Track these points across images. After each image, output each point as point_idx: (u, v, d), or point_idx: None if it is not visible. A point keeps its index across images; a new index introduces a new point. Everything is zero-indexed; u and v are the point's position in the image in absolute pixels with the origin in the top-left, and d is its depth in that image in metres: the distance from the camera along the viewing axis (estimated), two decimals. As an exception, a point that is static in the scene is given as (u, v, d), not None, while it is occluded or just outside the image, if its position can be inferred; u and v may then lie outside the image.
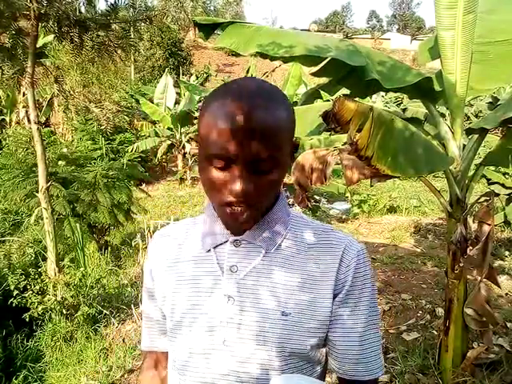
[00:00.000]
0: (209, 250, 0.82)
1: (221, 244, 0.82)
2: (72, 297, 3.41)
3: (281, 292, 0.78)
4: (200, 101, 16.30)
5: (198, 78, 21.57)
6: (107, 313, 3.62)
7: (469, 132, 2.51)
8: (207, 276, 0.81)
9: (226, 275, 0.79)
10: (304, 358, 0.79)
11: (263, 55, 2.31)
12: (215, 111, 0.70)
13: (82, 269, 3.82)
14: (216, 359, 0.78)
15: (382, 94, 14.61)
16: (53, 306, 3.34)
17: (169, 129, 11.78)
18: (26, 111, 11.02)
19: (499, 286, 2.73)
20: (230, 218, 0.75)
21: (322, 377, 0.86)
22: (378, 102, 13.07)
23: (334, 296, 0.78)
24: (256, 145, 0.68)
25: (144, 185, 9.59)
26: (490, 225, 2.48)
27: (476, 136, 2.52)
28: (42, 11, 3.07)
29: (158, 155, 11.72)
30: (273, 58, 2.37)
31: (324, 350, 0.84)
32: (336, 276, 0.78)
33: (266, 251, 0.80)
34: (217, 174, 0.71)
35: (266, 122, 0.68)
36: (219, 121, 0.68)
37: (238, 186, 0.70)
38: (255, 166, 0.70)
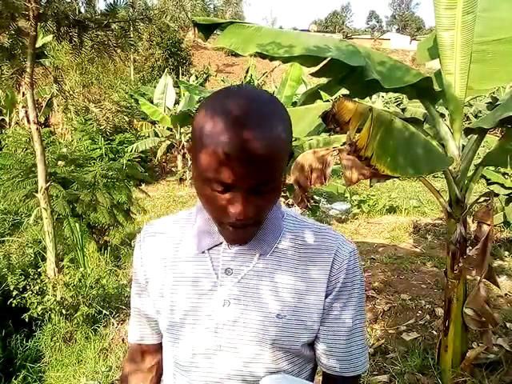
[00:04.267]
0: (203, 252, 0.82)
1: (215, 246, 0.82)
2: (71, 297, 3.41)
3: (275, 294, 0.79)
4: (200, 100, 16.32)
5: (197, 78, 21.56)
6: (107, 313, 3.62)
7: (467, 132, 2.51)
8: (204, 277, 0.81)
9: (221, 278, 0.80)
10: (296, 354, 0.81)
11: (263, 55, 2.31)
12: (211, 132, 0.65)
13: (81, 269, 3.81)
14: (216, 360, 0.80)
15: (382, 94, 14.62)
16: (52, 307, 3.34)
17: (168, 129, 11.77)
18: (26, 111, 11.01)
19: (498, 287, 2.73)
20: (229, 236, 0.76)
21: (312, 374, 0.89)
22: (377, 102, 13.07)
23: (326, 295, 0.80)
24: (257, 172, 0.66)
25: (143, 185, 9.58)
26: (489, 225, 2.48)
27: (475, 136, 2.52)
28: (41, 11, 3.07)
29: (158, 155, 11.71)
30: (272, 58, 2.36)
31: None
32: (328, 278, 0.80)
33: (260, 254, 0.81)
34: (215, 195, 0.70)
35: (266, 149, 0.65)
36: (215, 146, 0.64)
37: (238, 210, 0.69)
38: (255, 189, 0.69)
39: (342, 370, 0.84)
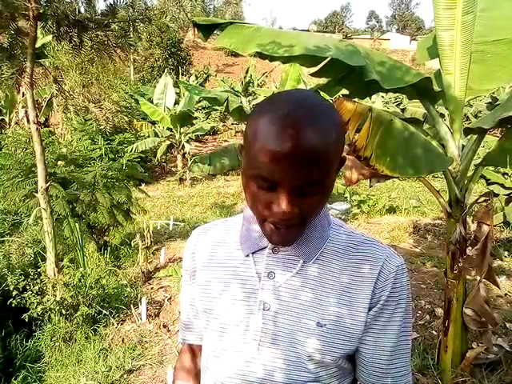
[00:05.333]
0: (247, 255, 0.83)
1: (259, 250, 0.82)
2: (71, 297, 3.41)
3: (317, 302, 0.78)
4: (200, 100, 16.32)
5: (197, 78, 21.58)
6: (106, 313, 3.62)
7: (467, 132, 2.51)
8: (248, 280, 0.82)
9: (264, 281, 0.80)
10: (334, 365, 0.79)
11: (262, 55, 2.31)
12: (262, 129, 0.67)
13: (81, 269, 3.81)
14: (254, 369, 0.80)
15: (382, 94, 14.62)
16: (52, 307, 3.34)
17: (168, 129, 11.78)
18: (26, 111, 11.02)
19: (498, 287, 2.73)
20: (272, 235, 0.75)
21: None
22: (377, 102, 13.07)
23: (369, 308, 0.78)
24: (303, 171, 0.66)
25: (143, 185, 9.58)
26: (489, 225, 2.48)
27: (475, 136, 2.52)
28: (41, 11, 3.07)
29: (158, 155, 11.71)
30: (272, 58, 2.36)
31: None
32: (373, 290, 0.78)
33: (304, 261, 0.80)
34: (262, 192, 0.70)
35: (314, 148, 0.65)
36: (266, 143, 0.66)
37: (282, 209, 0.69)
38: (301, 189, 0.69)
39: None
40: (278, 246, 0.80)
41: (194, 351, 0.98)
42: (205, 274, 0.87)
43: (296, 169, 0.66)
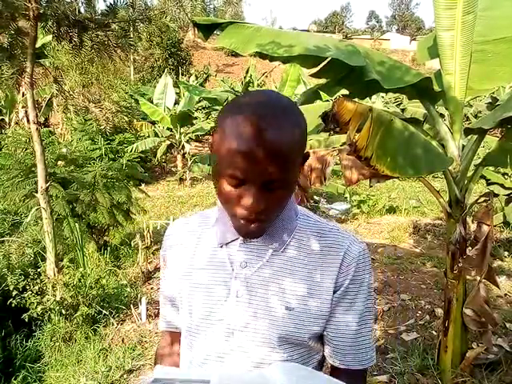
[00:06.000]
0: (221, 246, 0.88)
1: (232, 241, 0.88)
2: (71, 297, 3.41)
3: (286, 288, 0.84)
4: (200, 100, 16.31)
5: (197, 78, 21.55)
6: (106, 313, 3.62)
7: (467, 132, 2.51)
8: (221, 269, 0.87)
9: (236, 271, 0.86)
10: (303, 346, 0.86)
11: (262, 55, 2.31)
12: (228, 129, 0.72)
13: (81, 269, 3.81)
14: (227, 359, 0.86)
15: (382, 94, 14.61)
16: (52, 307, 3.34)
17: (168, 129, 11.77)
18: (26, 111, 11.01)
19: (498, 287, 2.73)
20: (241, 229, 0.81)
21: (319, 366, 0.93)
22: (377, 102, 13.06)
23: (334, 291, 0.84)
24: (268, 168, 0.71)
25: (143, 185, 9.57)
26: (489, 225, 2.48)
27: (475, 136, 2.52)
28: (41, 11, 3.07)
29: (158, 155, 11.70)
30: (272, 58, 2.36)
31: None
32: (337, 274, 0.84)
33: (274, 250, 0.86)
34: (230, 189, 0.76)
35: (278, 146, 0.70)
36: (232, 141, 0.71)
37: (249, 204, 0.74)
38: (266, 185, 0.74)
39: (349, 362, 0.87)
40: (247, 238, 0.85)
41: (174, 338, 1.03)
42: (181, 263, 0.92)
43: (261, 166, 0.71)
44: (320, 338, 0.89)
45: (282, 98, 0.76)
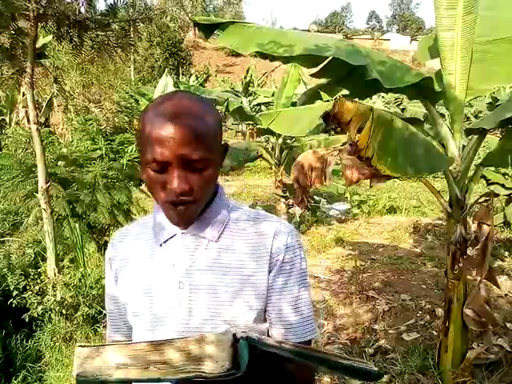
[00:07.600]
0: (161, 244, 0.93)
1: (171, 238, 0.92)
2: (71, 297, 3.41)
3: (225, 275, 0.89)
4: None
5: (197, 78, 21.54)
6: (107, 313, 3.61)
7: (468, 132, 2.51)
8: (161, 267, 0.91)
9: (177, 265, 0.90)
10: (250, 329, 0.87)
11: (263, 55, 2.31)
12: (149, 121, 0.81)
13: (81, 269, 3.81)
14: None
15: (382, 94, 14.61)
16: (52, 307, 3.33)
17: (168, 129, 11.77)
18: (26, 111, 10.99)
19: (499, 287, 2.73)
20: (171, 216, 0.85)
21: None
22: (378, 102, 13.06)
23: (269, 272, 0.90)
24: (187, 148, 0.79)
25: (143, 185, 9.56)
26: (489, 225, 2.48)
27: (476, 136, 2.52)
28: (41, 11, 3.06)
29: (158, 155, 11.69)
30: (272, 58, 2.37)
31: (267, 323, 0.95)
32: (270, 256, 0.90)
33: (209, 241, 0.91)
34: (156, 175, 0.82)
35: (193, 127, 0.79)
36: (153, 129, 0.79)
37: (175, 185, 0.80)
38: (189, 165, 0.80)
39: (291, 337, 0.91)
40: (179, 226, 0.90)
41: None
42: (125, 270, 0.97)
43: (179, 147, 0.78)
44: (265, 320, 0.93)
45: (196, 95, 0.88)
